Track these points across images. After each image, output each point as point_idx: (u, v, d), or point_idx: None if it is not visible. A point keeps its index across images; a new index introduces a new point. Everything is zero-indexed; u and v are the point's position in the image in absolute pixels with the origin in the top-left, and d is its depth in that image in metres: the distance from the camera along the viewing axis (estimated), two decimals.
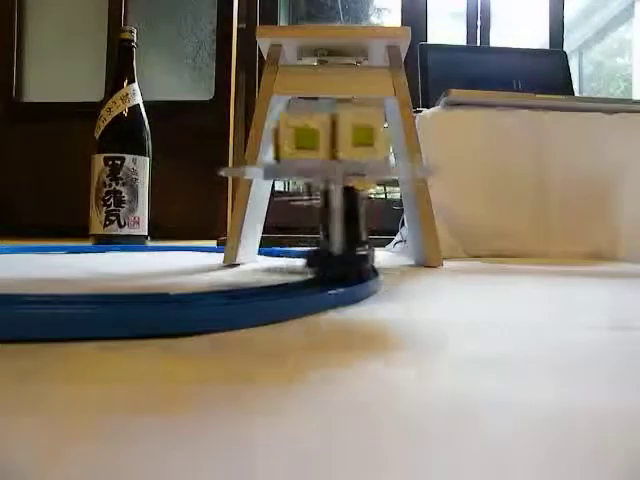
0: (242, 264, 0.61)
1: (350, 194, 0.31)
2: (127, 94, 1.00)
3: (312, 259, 0.31)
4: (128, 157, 0.98)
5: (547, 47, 1.57)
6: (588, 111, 0.87)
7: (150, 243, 1.03)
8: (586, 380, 0.17)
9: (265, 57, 0.61)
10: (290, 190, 1.98)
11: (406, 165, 0.53)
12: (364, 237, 0.32)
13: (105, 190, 0.97)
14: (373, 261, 0.33)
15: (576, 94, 1.22)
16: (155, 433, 0.12)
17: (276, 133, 0.29)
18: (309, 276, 0.31)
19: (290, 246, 0.94)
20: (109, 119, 0.98)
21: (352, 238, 0.31)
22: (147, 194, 1.01)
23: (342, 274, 0.30)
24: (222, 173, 0.34)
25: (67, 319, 0.21)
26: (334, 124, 0.29)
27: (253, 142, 0.59)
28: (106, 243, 0.96)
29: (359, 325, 0.26)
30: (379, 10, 1.92)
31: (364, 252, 0.32)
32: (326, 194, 0.30)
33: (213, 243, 1.08)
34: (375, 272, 0.38)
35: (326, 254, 0.30)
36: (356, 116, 0.29)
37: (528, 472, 0.10)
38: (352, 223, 0.31)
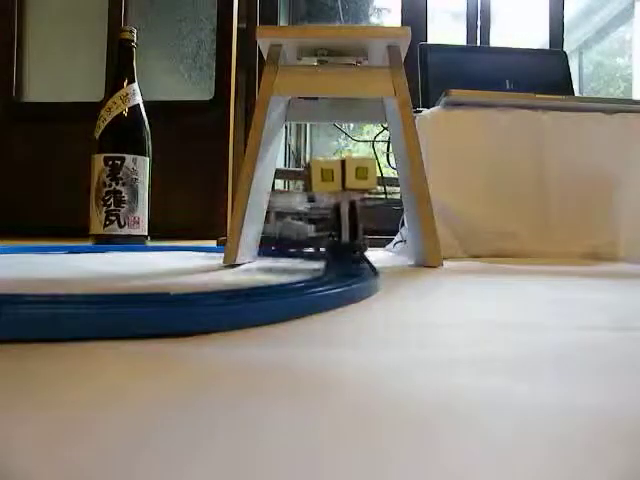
0: (242, 264, 0.61)
1: (352, 205, 0.44)
2: (127, 94, 1.00)
3: (331, 247, 0.44)
4: (128, 157, 0.98)
5: (547, 47, 1.57)
6: (588, 111, 0.87)
7: (150, 243, 1.03)
8: (586, 380, 0.17)
9: (265, 57, 0.61)
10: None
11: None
12: (360, 232, 0.44)
13: (105, 190, 0.97)
14: (367, 248, 0.45)
15: (576, 94, 1.22)
16: (155, 433, 0.12)
17: (308, 172, 0.44)
18: (323, 262, 0.42)
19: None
20: (109, 119, 0.98)
21: (354, 234, 0.44)
22: (147, 194, 1.01)
23: (353, 256, 0.42)
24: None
25: (67, 319, 0.21)
26: (344, 166, 0.43)
27: (253, 142, 0.59)
28: (106, 243, 0.96)
29: (358, 325, 0.26)
30: (379, 10, 1.92)
31: (362, 243, 0.44)
32: (337, 206, 0.44)
33: (213, 243, 1.08)
34: (375, 271, 0.38)
35: (340, 243, 0.43)
36: (357, 161, 0.44)
37: (528, 472, 0.10)
38: (354, 224, 0.44)
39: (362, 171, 0.44)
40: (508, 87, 1.00)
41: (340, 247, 0.44)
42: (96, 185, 0.98)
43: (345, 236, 0.44)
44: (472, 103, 0.86)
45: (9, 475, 0.10)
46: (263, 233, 0.70)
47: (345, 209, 0.44)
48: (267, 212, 0.66)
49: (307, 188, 0.46)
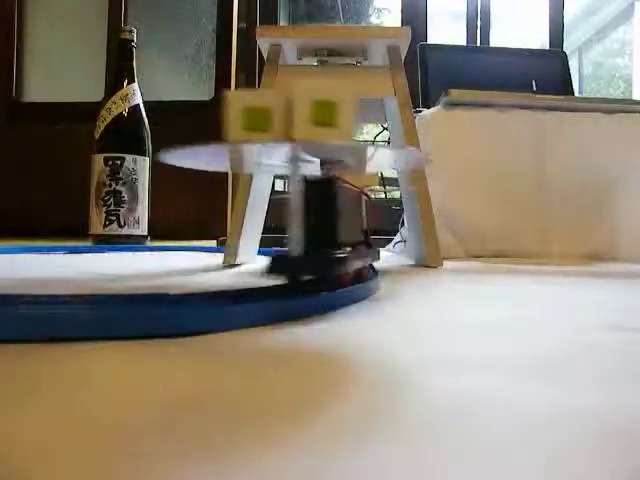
0: (242, 264, 0.61)
1: (323, 186, 0.26)
2: (127, 94, 1.00)
3: (276, 263, 0.26)
4: (128, 157, 0.98)
5: (547, 47, 1.57)
6: (588, 111, 0.87)
7: (150, 243, 1.03)
8: (586, 380, 0.17)
9: (265, 57, 0.61)
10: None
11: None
12: (345, 237, 0.28)
13: (105, 190, 0.97)
14: (374, 258, 0.29)
15: (576, 94, 1.22)
16: (155, 434, 0.12)
17: (224, 111, 0.26)
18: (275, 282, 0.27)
19: None
20: (109, 119, 0.98)
21: (323, 238, 0.26)
22: (147, 194, 1.01)
23: (305, 279, 0.26)
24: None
25: (67, 319, 0.21)
26: (291, 101, 0.25)
27: None
28: (106, 243, 0.96)
29: (358, 325, 0.26)
30: (379, 10, 1.92)
31: (341, 255, 0.26)
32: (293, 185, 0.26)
33: (213, 243, 1.08)
34: (375, 272, 0.38)
35: (290, 257, 0.26)
36: (316, 88, 0.25)
37: (528, 472, 0.10)
38: (323, 220, 0.26)
39: (326, 110, 0.24)
40: (515, 87, 1.00)
41: (292, 264, 0.26)
42: (96, 185, 0.98)
43: (297, 239, 0.25)
44: (472, 103, 0.86)
45: (9, 475, 0.10)
46: None
47: (296, 185, 0.25)
48: None
49: (218, 137, 0.26)
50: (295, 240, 0.26)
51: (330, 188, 0.26)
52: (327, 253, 0.26)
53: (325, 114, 0.24)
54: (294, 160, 0.25)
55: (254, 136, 0.24)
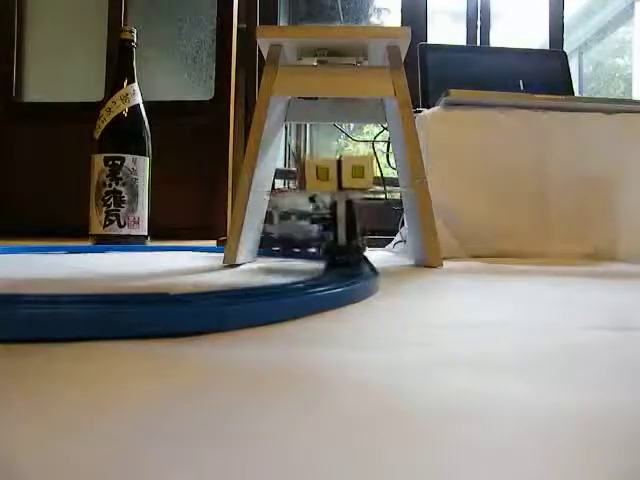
0: (242, 264, 0.61)
1: (349, 205, 0.43)
2: (127, 94, 1.00)
3: (327, 249, 0.43)
4: (128, 157, 0.98)
5: (547, 47, 1.57)
6: (588, 111, 0.87)
7: (150, 243, 1.03)
8: (586, 380, 0.17)
9: (265, 57, 0.61)
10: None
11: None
12: (358, 233, 0.44)
13: (105, 190, 0.97)
14: (365, 249, 0.44)
15: (576, 94, 1.22)
16: (155, 433, 0.12)
17: (302, 171, 0.44)
18: (322, 265, 0.42)
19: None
20: (109, 119, 0.98)
21: (351, 235, 0.43)
22: (147, 194, 1.01)
23: (348, 259, 0.42)
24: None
25: (67, 319, 0.21)
26: (340, 164, 0.43)
27: (253, 142, 0.59)
28: (106, 243, 0.96)
29: (358, 325, 0.26)
30: (379, 10, 1.92)
31: (360, 244, 0.44)
32: (334, 206, 0.43)
33: (213, 243, 1.08)
34: (375, 271, 0.38)
35: (337, 245, 0.43)
36: (354, 159, 0.44)
37: (528, 472, 0.10)
38: (351, 224, 0.43)
39: (358, 170, 0.43)
40: (515, 87, 1.00)
41: (337, 249, 0.43)
42: (96, 185, 0.98)
43: (342, 237, 0.43)
44: (472, 103, 0.86)
45: (9, 475, 0.10)
46: (265, 234, 0.70)
47: (342, 209, 0.43)
48: (270, 212, 0.65)
49: (301, 187, 0.45)
50: (341, 236, 0.43)
51: (353, 205, 0.44)
52: (356, 242, 0.43)
53: (358, 172, 0.43)
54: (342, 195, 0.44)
55: (322, 183, 0.43)
